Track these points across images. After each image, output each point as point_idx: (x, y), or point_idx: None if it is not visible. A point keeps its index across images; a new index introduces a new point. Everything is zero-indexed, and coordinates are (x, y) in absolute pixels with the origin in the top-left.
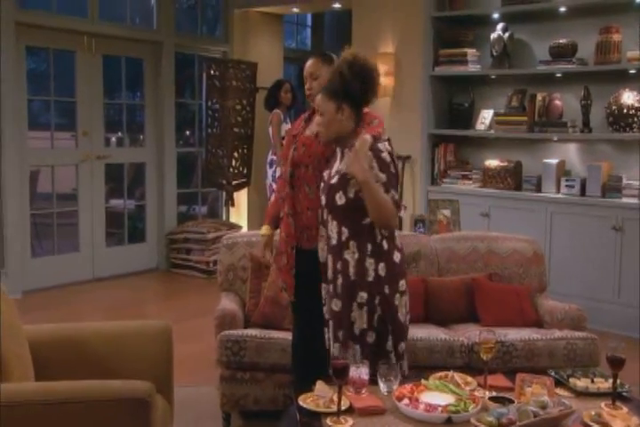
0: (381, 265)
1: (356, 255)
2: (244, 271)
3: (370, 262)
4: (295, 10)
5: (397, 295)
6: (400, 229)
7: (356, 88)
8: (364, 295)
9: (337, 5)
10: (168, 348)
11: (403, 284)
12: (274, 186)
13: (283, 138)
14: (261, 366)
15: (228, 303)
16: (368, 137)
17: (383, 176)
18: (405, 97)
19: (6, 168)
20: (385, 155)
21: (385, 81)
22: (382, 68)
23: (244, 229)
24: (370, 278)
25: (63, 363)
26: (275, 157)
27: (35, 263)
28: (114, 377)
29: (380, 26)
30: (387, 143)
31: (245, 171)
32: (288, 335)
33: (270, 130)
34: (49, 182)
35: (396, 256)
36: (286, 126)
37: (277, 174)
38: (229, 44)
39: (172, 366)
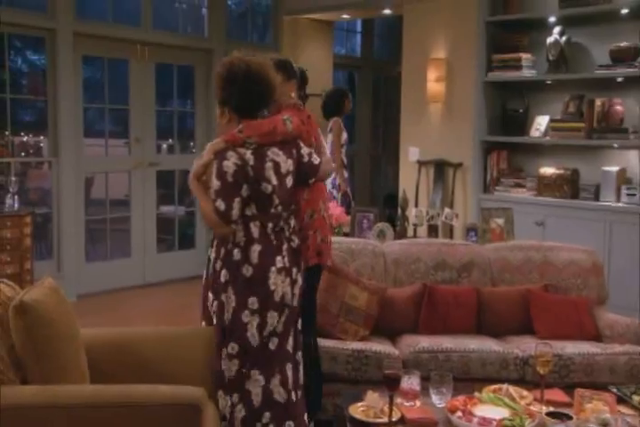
0: (224, 272)
1: (213, 255)
2: None
3: (219, 265)
4: (345, 16)
5: (247, 312)
6: (451, 237)
7: (226, 93)
8: (211, 296)
9: (387, 11)
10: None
11: (253, 302)
12: (334, 193)
13: (342, 145)
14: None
15: None
16: (218, 141)
17: (217, 184)
18: (457, 103)
19: (63, 175)
20: (226, 163)
21: (436, 87)
22: (434, 73)
23: None
24: (218, 280)
25: (117, 366)
26: (334, 165)
27: (89, 268)
28: (165, 382)
29: (432, 31)
30: (248, 152)
31: None
32: (338, 343)
33: (330, 137)
34: (103, 189)
35: (246, 269)
36: (345, 134)
37: (337, 182)
38: (279, 51)
39: None
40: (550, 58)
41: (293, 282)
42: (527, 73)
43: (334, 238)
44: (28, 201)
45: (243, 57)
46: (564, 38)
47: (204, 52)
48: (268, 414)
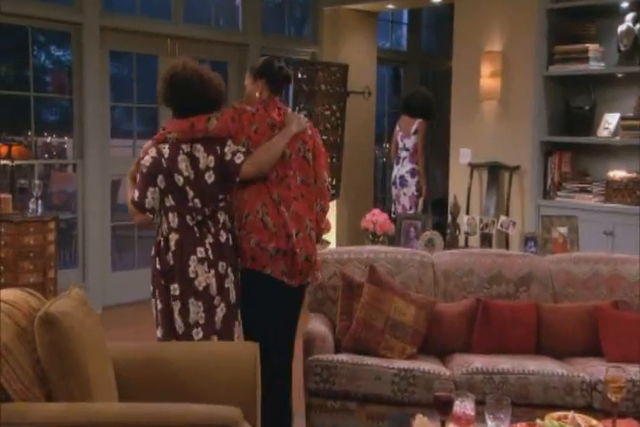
0: (157, 260)
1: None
2: (334, 291)
3: (153, 254)
4: (390, 6)
5: (171, 298)
6: (507, 247)
7: (168, 94)
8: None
9: (436, 0)
10: (255, 371)
11: (175, 289)
12: (416, 199)
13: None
14: (353, 395)
15: (316, 325)
16: (149, 142)
17: (137, 177)
18: (514, 100)
19: (89, 178)
20: (146, 157)
21: (491, 83)
22: (488, 68)
23: (333, 246)
24: (153, 269)
25: (147, 383)
26: (417, 167)
27: (115, 278)
28: (198, 400)
29: (487, 21)
30: (166, 146)
31: (334, 182)
32: (383, 362)
33: (413, 138)
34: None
35: (169, 257)
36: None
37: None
38: (318, 45)
39: (258, 391)
40: (622, 48)
41: (221, 275)
42: (594, 66)
43: (378, 248)
44: (52, 206)
45: (187, 61)
46: (637, 26)
47: (238, 47)
48: None
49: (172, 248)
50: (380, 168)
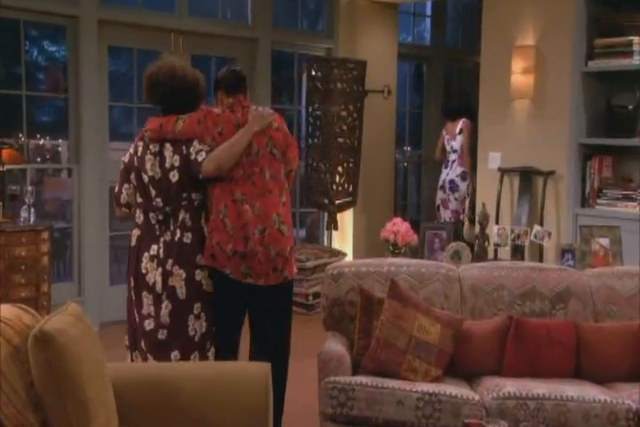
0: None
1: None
2: (352, 307)
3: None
4: None
5: (130, 290)
6: (541, 260)
7: (149, 92)
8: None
9: None
10: (266, 394)
11: (131, 280)
12: (466, 203)
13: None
14: (374, 420)
15: (333, 344)
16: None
17: None
18: (549, 99)
19: (85, 184)
20: (126, 154)
21: (523, 80)
22: (520, 64)
23: (350, 257)
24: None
25: (149, 407)
26: (466, 170)
27: (113, 292)
28: (205, 425)
29: (519, 12)
30: (141, 143)
31: (351, 188)
32: (405, 385)
33: (459, 139)
34: None
35: (130, 251)
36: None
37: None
38: (334, 39)
39: (269, 416)
40: None
41: (167, 273)
42: (639, 60)
43: (400, 260)
44: (45, 214)
45: (172, 60)
46: None
47: (247, 42)
48: None
49: (133, 244)
50: (400, 173)
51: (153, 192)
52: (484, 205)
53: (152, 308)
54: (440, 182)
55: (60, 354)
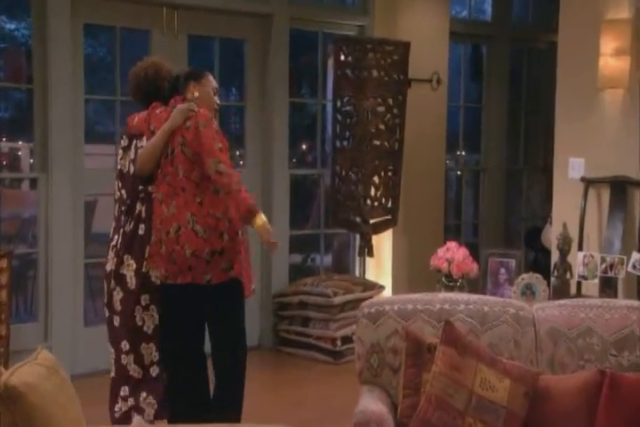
0: None
1: None
2: (394, 356)
3: None
4: None
5: None
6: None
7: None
8: None
9: None
10: None
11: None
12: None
13: None
14: None
15: (370, 402)
16: None
17: None
18: None
19: (55, 198)
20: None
21: (615, 64)
22: (611, 44)
23: (388, 291)
24: None
25: None
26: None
27: (88, 334)
28: None
29: None
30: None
31: (390, 204)
32: None
33: None
34: (109, 218)
35: None
36: None
37: None
38: (368, 15)
39: None
40: None
41: (121, 261)
42: None
43: (456, 296)
44: (1, 236)
45: (155, 60)
46: None
47: (258, 19)
48: (125, 388)
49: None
50: (452, 184)
51: (119, 184)
52: (564, 225)
53: (107, 296)
54: None
55: (30, 414)
